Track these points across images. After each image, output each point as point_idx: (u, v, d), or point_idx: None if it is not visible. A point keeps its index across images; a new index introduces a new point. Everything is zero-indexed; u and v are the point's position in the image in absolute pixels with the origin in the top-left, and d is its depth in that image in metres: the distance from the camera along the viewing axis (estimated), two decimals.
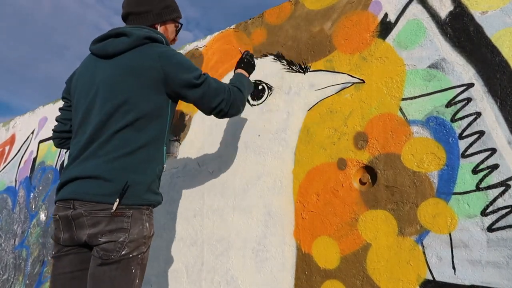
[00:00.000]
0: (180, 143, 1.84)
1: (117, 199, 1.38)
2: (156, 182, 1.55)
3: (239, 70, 1.88)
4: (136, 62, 1.51)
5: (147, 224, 1.47)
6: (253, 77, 2.21)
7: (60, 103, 3.61)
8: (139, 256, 1.43)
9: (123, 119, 1.47)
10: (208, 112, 1.63)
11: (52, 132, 1.81)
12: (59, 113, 1.80)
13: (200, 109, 1.64)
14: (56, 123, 1.79)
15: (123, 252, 1.38)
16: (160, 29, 1.72)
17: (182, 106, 2.49)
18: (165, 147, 1.56)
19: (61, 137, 1.78)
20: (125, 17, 1.71)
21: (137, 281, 1.42)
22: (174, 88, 1.53)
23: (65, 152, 3.36)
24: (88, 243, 1.42)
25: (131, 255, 1.40)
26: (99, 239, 1.39)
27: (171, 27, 1.77)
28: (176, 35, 1.83)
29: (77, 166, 1.47)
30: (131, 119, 1.47)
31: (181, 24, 1.83)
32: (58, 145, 1.81)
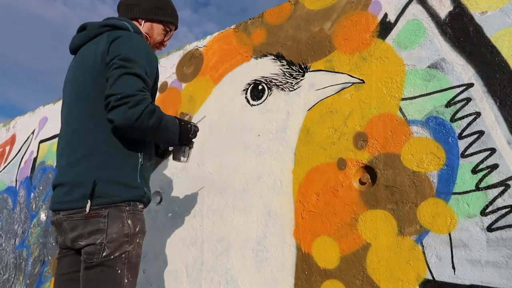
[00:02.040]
0: (190, 147, 1.74)
1: (88, 201, 1.35)
2: (135, 176, 1.44)
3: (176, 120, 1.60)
4: (88, 52, 1.49)
5: (129, 221, 1.40)
6: (253, 76, 2.21)
7: (60, 104, 3.61)
8: (123, 255, 1.38)
9: (80, 115, 1.45)
10: (105, 98, 1.36)
11: None
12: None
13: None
14: None
15: (103, 254, 1.35)
16: (144, 25, 1.68)
17: (181, 106, 2.50)
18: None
19: None
20: (118, 8, 1.72)
21: (125, 280, 1.39)
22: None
23: None
24: (72, 247, 1.44)
25: (112, 256, 1.36)
26: (80, 242, 1.38)
27: (158, 27, 1.71)
28: (164, 38, 1.75)
29: (58, 171, 1.52)
30: (88, 114, 1.43)
31: (171, 30, 1.77)
32: None
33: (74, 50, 1.60)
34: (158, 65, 1.61)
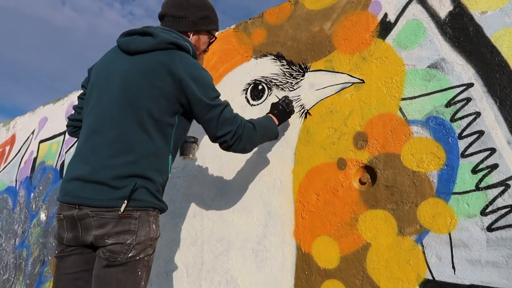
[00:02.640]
0: (197, 145, 1.79)
1: (125, 201, 1.37)
2: (160, 191, 1.53)
3: (270, 114, 1.83)
4: (155, 64, 1.47)
5: (154, 226, 1.46)
6: (253, 76, 2.21)
7: (60, 104, 3.61)
8: (146, 258, 1.42)
9: (131, 120, 1.44)
10: (212, 139, 1.58)
11: (67, 119, 1.81)
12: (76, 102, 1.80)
13: (206, 133, 1.58)
14: (73, 111, 1.80)
15: (130, 254, 1.37)
16: (192, 38, 1.67)
17: None
18: (171, 157, 1.54)
19: (73, 126, 1.77)
20: (161, 17, 1.69)
21: (142, 283, 1.41)
22: (187, 101, 1.49)
23: (65, 152, 3.37)
24: (94, 244, 1.41)
25: (137, 257, 1.39)
26: (106, 240, 1.37)
27: (204, 38, 1.72)
28: (208, 46, 1.77)
29: (82, 163, 1.45)
30: (140, 122, 1.44)
31: (215, 37, 1.77)
32: (71, 133, 1.81)
33: (134, 52, 1.52)
34: None
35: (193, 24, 1.66)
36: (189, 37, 1.67)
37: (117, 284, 1.36)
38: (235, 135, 1.53)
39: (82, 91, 1.75)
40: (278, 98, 1.98)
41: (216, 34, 2.45)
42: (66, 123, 1.95)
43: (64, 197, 1.45)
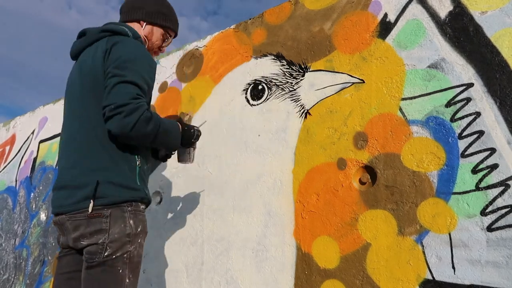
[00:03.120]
0: (195, 148, 1.77)
1: (91, 201, 1.37)
2: (134, 178, 1.46)
3: (179, 125, 1.64)
4: (86, 57, 1.52)
5: (131, 222, 1.43)
6: (253, 76, 2.21)
7: (60, 104, 3.61)
8: (125, 255, 1.40)
9: (79, 119, 1.49)
10: (102, 109, 1.39)
11: None
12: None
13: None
14: None
15: (105, 254, 1.37)
16: (145, 28, 1.68)
17: (181, 106, 2.50)
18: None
19: None
20: (120, 9, 1.73)
21: (127, 280, 1.40)
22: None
23: None
24: (73, 247, 1.45)
25: (114, 256, 1.38)
26: (81, 242, 1.40)
27: (158, 32, 1.72)
28: (162, 44, 1.76)
29: (58, 174, 1.54)
30: (86, 118, 1.47)
31: (171, 37, 1.78)
32: None
33: (74, 55, 1.63)
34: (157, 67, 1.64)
35: (148, 14, 1.68)
36: (142, 26, 1.67)
37: (98, 284, 1.37)
38: (121, 109, 1.32)
39: None
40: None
41: (216, 34, 2.46)
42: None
43: (52, 208, 1.54)
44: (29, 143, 3.88)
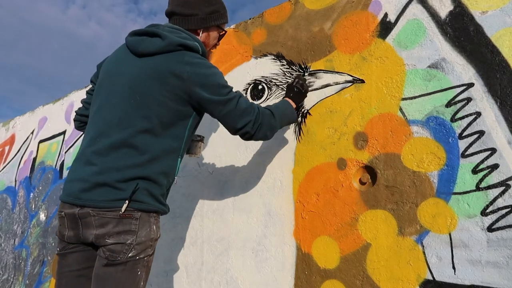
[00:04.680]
0: (203, 143, 1.83)
1: (126, 201, 1.37)
2: (165, 194, 1.53)
3: (286, 98, 1.83)
4: (163, 67, 1.45)
5: (154, 227, 1.46)
6: (253, 76, 2.21)
7: (59, 104, 3.61)
8: (145, 258, 1.43)
9: (139, 122, 1.43)
10: (233, 132, 1.58)
11: (75, 113, 1.81)
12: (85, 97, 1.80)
13: (225, 128, 1.59)
14: (81, 105, 1.80)
15: (130, 254, 1.38)
16: (202, 35, 1.65)
17: None
18: (180, 159, 1.54)
19: (80, 120, 1.78)
20: (169, 15, 1.65)
21: (141, 283, 1.42)
22: (198, 103, 1.49)
23: (65, 152, 3.36)
24: (95, 243, 1.41)
25: (137, 257, 1.39)
26: (107, 240, 1.37)
27: (214, 33, 1.69)
28: (218, 41, 1.75)
29: (88, 164, 1.44)
30: (148, 124, 1.43)
31: (225, 31, 1.74)
32: (78, 127, 1.81)
33: (143, 54, 1.49)
34: None
35: (202, 21, 1.62)
36: (198, 34, 1.64)
37: (116, 283, 1.36)
38: (255, 124, 1.55)
39: (91, 86, 1.75)
40: (291, 79, 1.94)
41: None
42: (65, 122, 1.96)
43: (67, 197, 1.45)
44: (28, 143, 3.88)
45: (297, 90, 1.85)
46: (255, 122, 1.55)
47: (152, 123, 1.43)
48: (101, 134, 1.46)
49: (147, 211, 1.44)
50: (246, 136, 1.58)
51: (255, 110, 1.56)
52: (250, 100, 2.06)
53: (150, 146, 1.43)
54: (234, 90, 1.58)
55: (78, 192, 1.42)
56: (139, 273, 1.40)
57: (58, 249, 1.53)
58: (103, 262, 1.38)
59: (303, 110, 1.98)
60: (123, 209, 1.36)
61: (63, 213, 1.46)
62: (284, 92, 2.07)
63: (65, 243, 1.48)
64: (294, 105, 1.82)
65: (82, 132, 1.87)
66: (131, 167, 1.40)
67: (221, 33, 1.72)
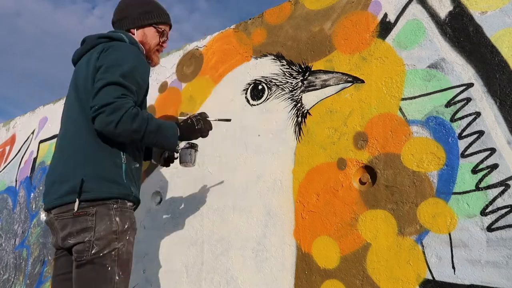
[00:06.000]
0: (196, 150, 1.74)
1: (76, 198, 1.38)
2: (120, 173, 1.48)
3: (175, 124, 1.61)
4: (82, 62, 1.59)
5: (117, 219, 1.44)
6: (253, 76, 2.21)
7: (60, 104, 3.61)
8: (113, 252, 1.41)
9: (72, 120, 1.55)
10: (90, 111, 1.43)
11: None
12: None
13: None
14: None
15: (92, 251, 1.38)
16: (137, 33, 1.72)
17: (181, 105, 2.50)
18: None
19: None
20: (112, 25, 1.79)
21: (116, 277, 1.40)
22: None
23: None
24: (62, 247, 1.46)
25: (101, 254, 1.39)
26: (69, 241, 1.41)
27: (150, 32, 1.74)
28: (160, 40, 1.77)
29: (51, 168, 1.57)
30: (76, 118, 1.52)
31: (163, 30, 1.76)
32: None
33: (74, 62, 1.69)
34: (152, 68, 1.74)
35: (132, 20, 1.72)
36: (133, 34, 1.72)
37: (89, 283, 1.38)
38: (104, 108, 1.38)
39: None
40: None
41: (216, 34, 2.46)
42: None
43: (44, 204, 1.56)
44: (29, 143, 3.88)
45: (189, 123, 1.63)
46: (105, 106, 1.38)
47: (79, 113, 1.53)
48: (60, 138, 1.65)
49: (104, 202, 1.41)
50: (98, 119, 1.40)
51: (120, 101, 1.39)
52: (248, 101, 2.08)
53: (81, 133, 1.51)
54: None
55: (44, 195, 1.54)
56: (109, 268, 1.39)
57: (54, 253, 1.62)
58: (75, 265, 1.41)
59: (303, 110, 1.98)
60: (75, 207, 1.38)
61: (46, 220, 1.58)
62: (284, 92, 2.07)
63: (55, 249, 1.57)
64: (178, 134, 1.57)
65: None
66: (72, 155, 1.49)
67: (160, 32, 1.76)
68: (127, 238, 1.47)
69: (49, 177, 1.54)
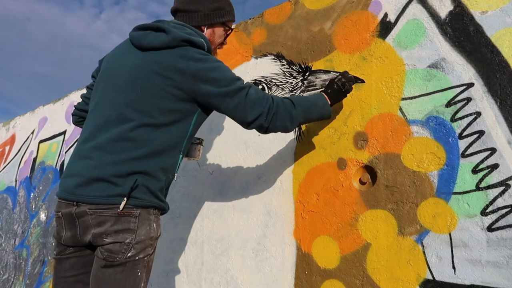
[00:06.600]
0: (203, 146, 1.79)
1: (125, 198, 1.32)
2: (163, 190, 1.48)
3: (323, 93, 1.69)
4: (167, 62, 1.41)
5: (155, 225, 1.41)
6: (253, 76, 2.21)
7: (60, 104, 3.61)
8: (145, 258, 1.37)
9: (139, 116, 1.39)
10: (245, 126, 1.50)
11: (74, 108, 1.78)
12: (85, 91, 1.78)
13: (238, 122, 1.51)
14: (80, 100, 1.77)
15: (129, 254, 1.32)
16: (206, 31, 1.61)
17: None
18: (181, 156, 1.50)
19: (79, 115, 1.75)
20: (174, 12, 1.63)
21: (142, 284, 1.37)
22: (203, 98, 1.44)
23: (65, 152, 3.36)
24: (92, 243, 1.36)
25: (137, 257, 1.34)
26: (104, 239, 1.32)
27: (219, 30, 1.65)
28: (225, 39, 1.70)
29: (85, 158, 1.40)
30: (148, 119, 1.39)
31: (231, 29, 1.70)
32: (76, 122, 1.79)
33: (147, 48, 1.46)
34: None
35: (206, 17, 1.59)
36: (203, 31, 1.61)
37: (115, 285, 1.31)
38: (268, 115, 1.46)
39: (92, 81, 1.72)
40: (336, 73, 1.84)
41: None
42: (66, 122, 1.96)
43: (62, 193, 1.41)
44: (29, 143, 3.88)
45: (336, 88, 1.69)
46: (268, 113, 1.45)
47: (153, 117, 1.39)
48: (100, 129, 1.42)
49: (146, 207, 1.39)
50: (261, 130, 1.49)
51: (268, 100, 1.47)
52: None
53: (149, 140, 1.38)
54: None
55: (73, 187, 1.37)
56: (139, 274, 1.35)
57: (55, 252, 1.48)
58: (102, 263, 1.33)
59: None
60: (121, 206, 1.31)
61: (60, 213, 1.41)
62: (284, 92, 2.07)
63: (62, 246, 1.45)
64: (329, 101, 1.66)
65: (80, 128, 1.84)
66: (128, 161, 1.35)
67: (227, 31, 1.69)
68: (155, 246, 1.44)
69: (94, 171, 1.36)
